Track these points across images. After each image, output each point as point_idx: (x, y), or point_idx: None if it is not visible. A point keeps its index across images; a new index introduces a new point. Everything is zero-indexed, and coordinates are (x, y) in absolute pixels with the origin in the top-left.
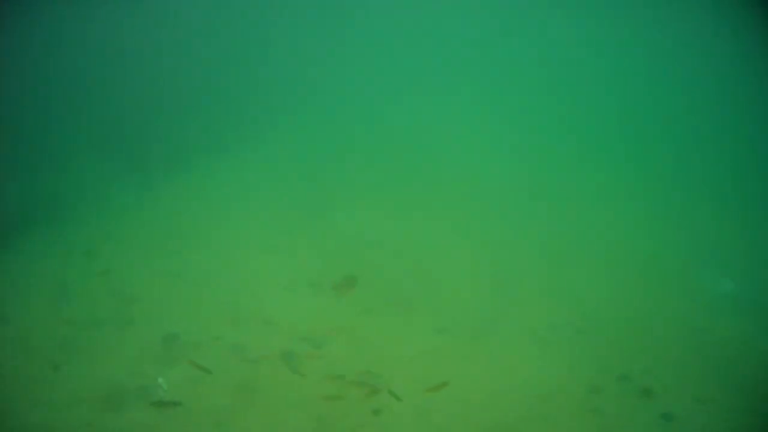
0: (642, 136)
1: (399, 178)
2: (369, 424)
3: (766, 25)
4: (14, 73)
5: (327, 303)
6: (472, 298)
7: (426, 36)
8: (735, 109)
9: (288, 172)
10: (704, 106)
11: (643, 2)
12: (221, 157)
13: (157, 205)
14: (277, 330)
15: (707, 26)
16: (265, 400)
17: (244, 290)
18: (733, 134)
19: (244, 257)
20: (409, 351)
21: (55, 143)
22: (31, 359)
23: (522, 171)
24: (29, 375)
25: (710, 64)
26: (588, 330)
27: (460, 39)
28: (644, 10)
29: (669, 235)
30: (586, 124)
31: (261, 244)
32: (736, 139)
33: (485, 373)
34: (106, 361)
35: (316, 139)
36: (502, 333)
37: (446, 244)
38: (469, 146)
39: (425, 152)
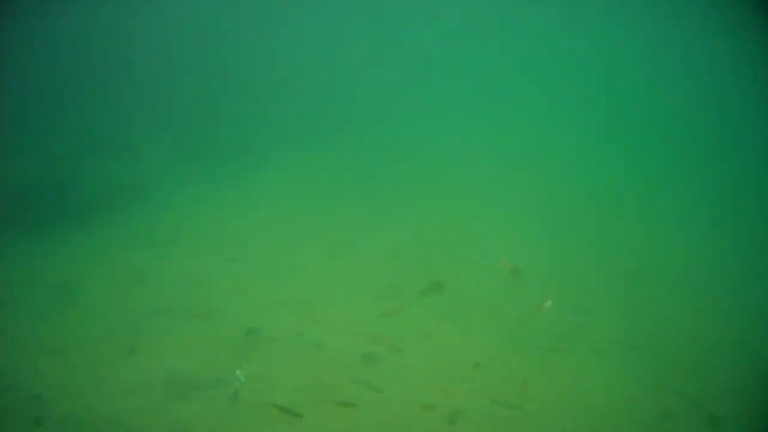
0: (711, 158)
1: (478, 186)
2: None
3: None
4: (96, 61)
5: (408, 306)
6: (546, 313)
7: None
8: None
9: (368, 172)
10: None
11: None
12: (298, 155)
13: (235, 198)
14: (357, 331)
15: None
16: (339, 399)
17: (324, 289)
18: None
19: (321, 256)
20: (482, 360)
21: (137, 135)
22: (105, 343)
23: (593, 189)
24: (102, 358)
25: None
26: (657, 350)
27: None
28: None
29: (727, 252)
30: (662, 152)
31: (340, 243)
32: None
33: (556, 389)
34: (182, 350)
35: (397, 141)
36: (573, 350)
37: (522, 256)
38: (547, 159)
39: (510, 159)
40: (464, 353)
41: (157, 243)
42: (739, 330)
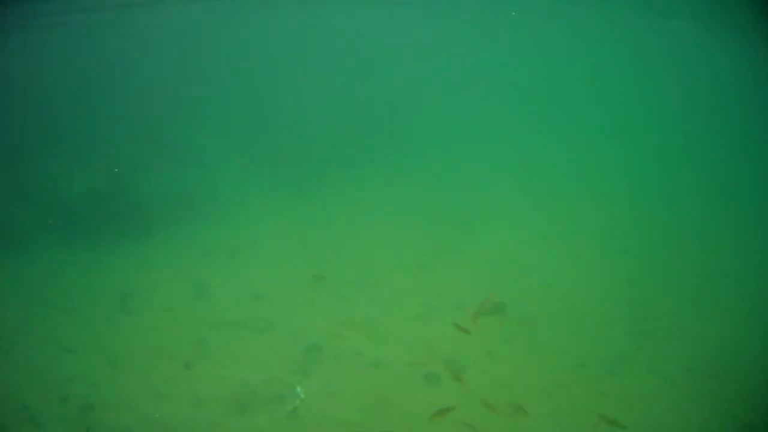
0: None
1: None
2: None
3: None
4: (165, 68)
5: (470, 327)
6: (609, 334)
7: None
8: None
9: (435, 192)
10: None
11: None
12: (370, 174)
13: (303, 213)
14: (418, 350)
15: None
16: (400, 419)
17: (386, 307)
18: None
19: (387, 274)
20: (545, 383)
21: (204, 145)
22: (163, 355)
23: (660, 208)
24: (159, 370)
25: None
26: (719, 375)
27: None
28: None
29: None
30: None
31: (406, 261)
32: None
33: (619, 410)
34: (241, 365)
35: (462, 161)
36: (635, 372)
37: (588, 278)
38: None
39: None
40: (526, 375)
41: (220, 255)
42: None
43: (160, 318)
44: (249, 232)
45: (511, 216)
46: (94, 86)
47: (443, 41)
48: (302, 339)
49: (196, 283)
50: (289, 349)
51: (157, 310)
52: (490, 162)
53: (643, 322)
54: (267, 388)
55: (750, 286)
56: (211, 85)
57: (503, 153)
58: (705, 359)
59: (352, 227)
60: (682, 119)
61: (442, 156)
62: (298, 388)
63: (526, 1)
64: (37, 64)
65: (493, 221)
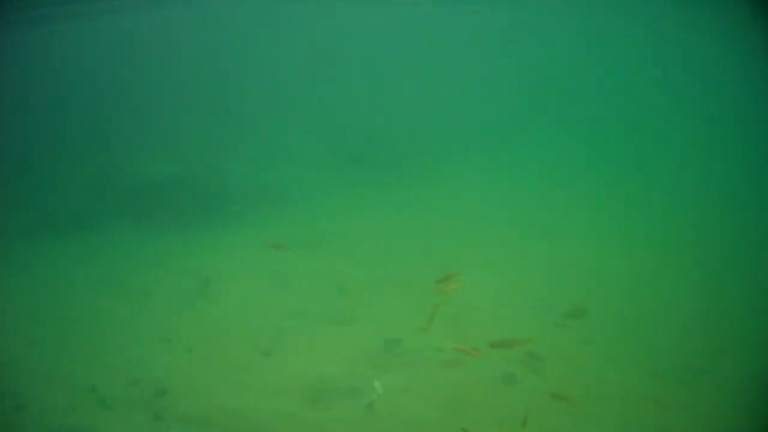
0: None
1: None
2: None
3: None
4: (252, 59)
5: (550, 328)
6: (686, 343)
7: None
8: None
9: (520, 191)
10: None
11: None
12: (450, 166)
13: (383, 208)
14: (499, 350)
15: None
16: (474, 418)
17: (467, 305)
18: None
19: (468, 271)
20: (619, 391)
21: (285, 135)
22: (241, 343)
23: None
24: (236, 358)
25: None
26: None
27: None
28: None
29: None
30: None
31: (487, 260)
32: None
33: (692, 421)
34: (320, 357)
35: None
36: (711, 382)
37: (668, 287)
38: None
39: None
40: (601, 380)
41: (301, 246)
42: None
43: (240, 306)
44: (332, 225)
45: (595, 221)
46: (176, 76)
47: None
48: (383, 333)
49: (277, 274)
50: (369, 342)
51: (236, 298)
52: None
53: (721, 335)
54: (345, 381)
55: None
56: (296, 80)
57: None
58: None
59: (437, 225)
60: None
61: (524, 155)
62: (376, 383)
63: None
64: (117, 54)
65: (576, 224)
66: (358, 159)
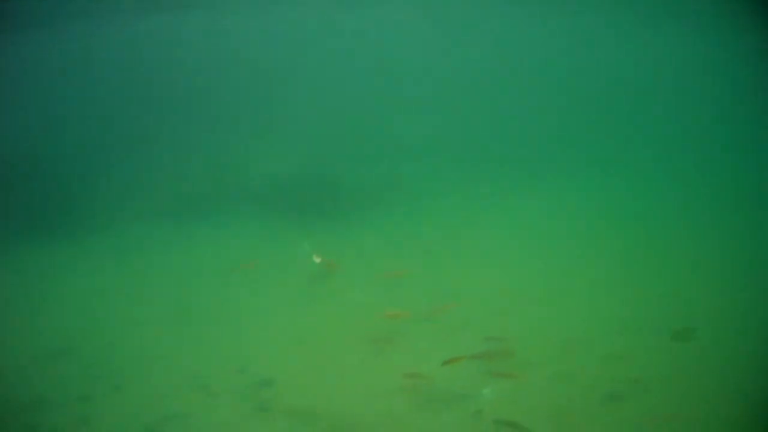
0: None
1: None
2: None
3: None
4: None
5: (660, 347)
6: None
7: None
8: None
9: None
10: None
11: None
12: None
13: (499, 220)
14: (606, 367)
15: None
16: None
17: (576, 319)
18: None
19: (586, 283)
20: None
21: (410, 135)
22: (354, 340)
23: None
24: (348, 355)
25: None
26: None
27: None
28: None
29: None
30: None
31: (607, 276)
32: None
33: None
34: (429, 359)
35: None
36: None
37: None
38: None
39: None
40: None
41: (416, 250)
42: None
43: (352, 303)
44: (445, 230)
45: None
46: (300, 72)
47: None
48: (495, 340)
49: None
50: (481, 349)
51: (349, 294)
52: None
53: None
54: (454, 385)
55: None
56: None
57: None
58: None
59: (556, 233)
60: None
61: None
62: (486, 390)
63: None
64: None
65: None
66: (484, 169)
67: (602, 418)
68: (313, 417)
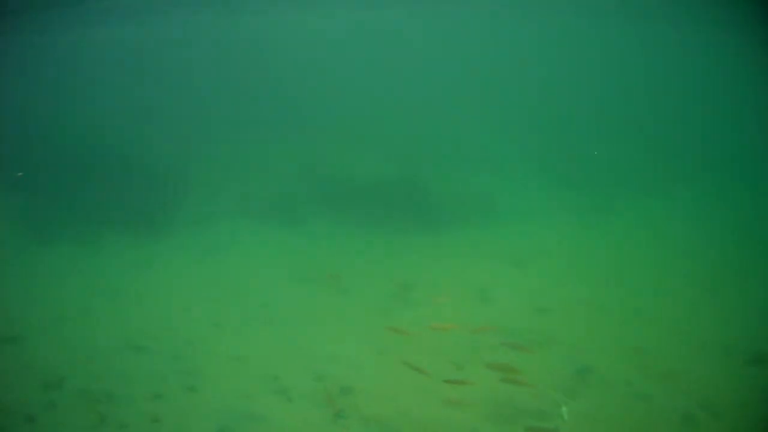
0: None
1: None
2: None
3: None
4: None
5: (733, 370)
6: None
7: None
8: None
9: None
10: None
11: None
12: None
13: (597, 231)
14: (682, 387)
15: None
16: None
17: (667, 339)
18: None
19: (677, 303)
20: None
21: (498, 148)
22: (433, 352)
23: None
24: (428, 368)
25: None
26: None
27: None
28: None
29: None
30: None
31: (684, 295)
32: None
33: None
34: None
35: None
36: None
37: None
38: None
39: None
40: None
41: (504, 262)
42: None
43: (434, 314)
44: (538, 243)
45: None
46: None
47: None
48: (577, 359)
49: (478, 287)
50: (562, 366)
51: (431, 306)
52: None
53: None
54: (533, 402)
55: None
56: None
57: None
58: None
59: (639, 251)
60: None
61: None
62: (563, 408)
63: None
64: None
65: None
66: (570, 179)
67: None
68: (389, 427)
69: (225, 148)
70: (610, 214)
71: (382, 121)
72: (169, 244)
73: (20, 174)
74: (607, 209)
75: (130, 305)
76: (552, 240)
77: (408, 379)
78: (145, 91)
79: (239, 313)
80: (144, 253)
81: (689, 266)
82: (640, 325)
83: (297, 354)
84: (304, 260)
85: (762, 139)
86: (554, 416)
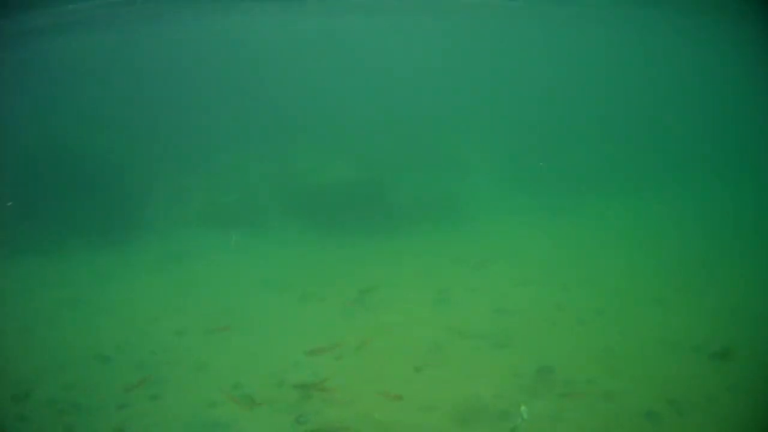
0: None
1: None
2: None
3: None
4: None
5: (699, 369)
6: None
7: None
8: None
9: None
10: None
11: None
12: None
13: (556, 234)
14: (646, 387)
15: None
16: None
17: (624, 338)
18: None
19: (630, 303)
20: None
21: (462, 152)
22: (395, 355)
23: None
24: (388, 370)
25: None
26: None
27: None
28: None
29: None
30: None
31: (646, 293)
32: None
33: None
34: (471, 375)
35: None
36: None
37: None
38: None
39: None
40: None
41: (464, 264)
42: None
43: (398, 317)
44: (499, 246)
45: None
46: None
47: None
48: (537, 359)
49: (439, 289)
50: (522, 366)
51: (396, 309)
52: None
53: None
54: (493, 403)
55: None
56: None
57: None
58: None
59: (602, 252)
60: None
61: None
62: (523, 408)
63: None
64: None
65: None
66: (530, 183)
67: None
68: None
69: (188, 157)
70: (572, 216)
71: (345, 126)
72: (133, 253)
73: (10, 203)
74: (570, 211)
75: (96, 315)
76: (513, 242)
77: (369, 382)
78: (107, 100)
79: (202, 321)
80: (108, 263)
81: (653, 265)
82: (601, 325)
83: (259, 360)
84: (267, 267)
85: (727, 139)
86: (514, 416)
